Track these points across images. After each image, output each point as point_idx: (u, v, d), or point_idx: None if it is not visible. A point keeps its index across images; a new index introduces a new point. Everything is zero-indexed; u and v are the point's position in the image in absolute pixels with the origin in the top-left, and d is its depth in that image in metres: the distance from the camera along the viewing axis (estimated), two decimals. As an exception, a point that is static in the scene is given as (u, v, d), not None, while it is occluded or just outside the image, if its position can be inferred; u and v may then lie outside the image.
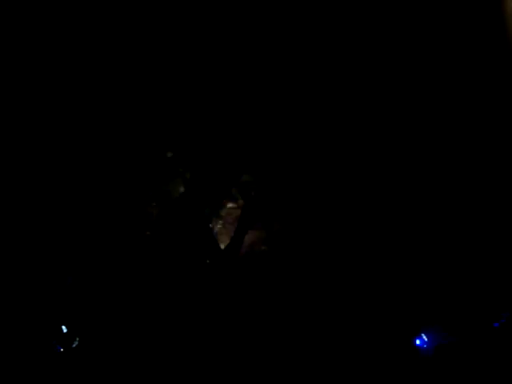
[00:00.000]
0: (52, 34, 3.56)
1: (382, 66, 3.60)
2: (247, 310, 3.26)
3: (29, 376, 3.17)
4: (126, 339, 3.15)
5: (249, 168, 3.57)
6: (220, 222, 3.23)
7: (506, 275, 3.24)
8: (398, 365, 3.09)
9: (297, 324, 3.38)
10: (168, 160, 3.38)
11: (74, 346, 3.28)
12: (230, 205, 3.32)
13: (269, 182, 3.61)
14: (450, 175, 3.56)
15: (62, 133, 3.57)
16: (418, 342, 3.09)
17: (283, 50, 3.69)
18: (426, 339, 3.04)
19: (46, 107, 3.55)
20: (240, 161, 3.54)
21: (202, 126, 3.62)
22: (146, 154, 3.49)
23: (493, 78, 3.43)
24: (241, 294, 3.21)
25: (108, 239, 3.50)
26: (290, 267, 3.52)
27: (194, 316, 2.91)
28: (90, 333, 3.29)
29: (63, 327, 3.32)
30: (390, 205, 3.58)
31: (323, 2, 3.63)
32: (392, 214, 3.57)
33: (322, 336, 3.33)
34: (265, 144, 3.68)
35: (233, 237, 2.92)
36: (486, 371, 2.88)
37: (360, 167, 3.67)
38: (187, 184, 2.97)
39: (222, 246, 2.96)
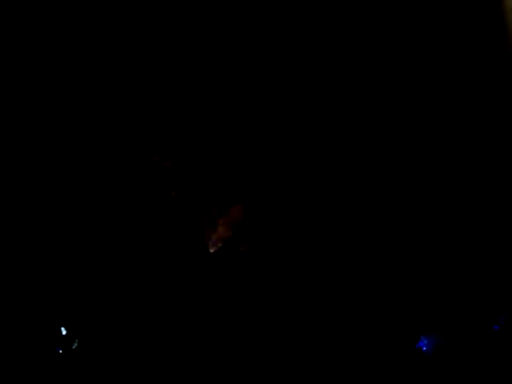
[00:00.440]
0: (51, 34, 3.56)
1: (379, 59, 3.58)
2: (243, 313, 3.25)
3: (28, 377, 3.19)
4: (125, 341, 3.16)
5: (247, 169, 3.57)
6: (213, 223, 3.23)
7: (505, 278, 3.22)
8: (396, 367, 3.07)
9: (296, 326, 3.37)
10: (162, 159, 3.37)
11: (73, 347, 3.29)
12: (224, 206, 3.31)
13: (268, 184, 3.60)
14: (450, 176, 3.54)
15: (59, 132, 3.58)
16: (416, 344, 3.07)
17: (283, 49, 3.68)
18: (424, 341, 3.02)
19: (43, 107, 3.56)
20: (237, 162, 3.53)
21: (199, 126, 3.62)
22: (142, 155, 3.49)
23: (492, 75, 3.40)
24: (236, 296, 3.21)
25: (106, 239, 3.51)
26: (289, 270, 3.52)
27: (191, 320, 2.89)
28: (89, 334, 3.30)
29: (62, 329, 3.33)
30: (389, 209, 3.56)
31: (323, 2, 3.62)
32: (391, 219, 3.56)
33: (322, 337, 3.32)
34: (264, 144, 3.67)
35: (227, 240, 2.90)
36: (485, 373, 2.85)
37: (360, 167, 3.65)
38: (179, 186, 2.95)
39: (212, 250, 2.95)
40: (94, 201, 3.53)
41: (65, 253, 3.51)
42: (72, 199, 3.53)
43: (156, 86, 3.66)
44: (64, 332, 3.25)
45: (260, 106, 3.68)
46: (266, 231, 3.42)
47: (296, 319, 3.35)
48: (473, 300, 3.19)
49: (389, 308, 3.32)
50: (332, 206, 3.60)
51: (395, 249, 3.47)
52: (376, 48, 3.56)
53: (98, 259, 3.46)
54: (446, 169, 3.54)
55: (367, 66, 3.60)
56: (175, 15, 3.62)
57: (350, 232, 3.56)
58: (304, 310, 3.39)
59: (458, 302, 3.22)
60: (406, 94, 3.57)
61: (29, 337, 3.25)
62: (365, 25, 3.55)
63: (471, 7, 3.36)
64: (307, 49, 3.66)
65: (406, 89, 3.56)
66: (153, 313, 3.05)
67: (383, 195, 3.58)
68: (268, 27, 3.63)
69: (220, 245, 3.19)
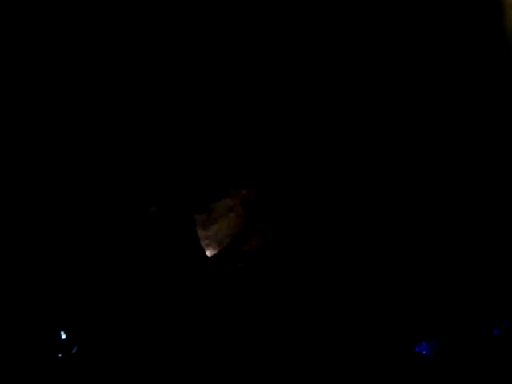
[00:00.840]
0: (50, 34, 3.55)
1: (379, 58, 3.55)
2: (243, 315, 3.24)
3: (28, 382, 3.19)
4: (125, 345, 3.14)
5: (246, 171, 3.56)
6: (211, 227, 3.22)
7: (505, 282, 3.19)
8: (397, 370, 3.04)
9: (297, 328, 3.36)
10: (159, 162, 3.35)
11: (73, 352, 3.29)
12: (223, 209, 3.29)
13: (269, 187, 3.59)
14: (449, 178, 3.50)
15: (56, 132, 3.57)
16: (417, 348, 3.04)
17: (283, 50, 3.66)
18: (425, 345, 2.99)
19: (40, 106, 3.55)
20: (236, 163, 3.52)
21: (197, 126, 3.60)
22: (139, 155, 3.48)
23: (492, 74, 3.35)
24: (235, 298, 3.20)
25: (104, 242, 3.50)
26: (288, 272, 3.50)
27: (190, 328, 2.88)
28: (89, 339, 3.30)
29: (62, 333, 3.33)
30: (392, 213, 3.54)
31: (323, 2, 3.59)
32: (393, 222, 3.54)
33: (323, 340, 3.30)
34: (263, 145, 3.65)
35: (226, 246, 2.88)
36: (486, 377, 2.82)
37: (360, 167, 3.63)
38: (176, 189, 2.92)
39: (209, 254, 2.92)
40: (90, 208, 3.53)
41: (64, 257, 3.51)
42: (69, 205, 3.54)
43: (148, 88, 3.66)
44: (63, 336, 3.25)
45: (258, 106, 3.66)
46: (265, 233, 3.38)
47: (297, 321, 3.34)
48: (474, 304, 3.17)
49: (390, 311, 3.30)
50: (333, 209, 3.59)
51: (397, 252, 3.45)
52: (376, 46, 3.53)
53: (97, 263, 3.46)
54: (446, 169, 3.52)
55: (367, 65, 3.57)
56: (176, 15, 3.60)
57: (351, 235, 3.54)
58: (305, 311, 3.37)
59: (459, 305, 3.20)
60: (405, 92, 3.54)
61: (28, 341, 3.25)
62: (365, 24, 3.53)
63: (471, 3, 3.32)
64: (307, 49, 3.64)
65: (405, 87, 3.54)
66: (152, 316, 3.03)
67: (384, 197, 3.56)
68: (268, 27, 3.61)
69: (218, 249, 3.17)
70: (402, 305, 3.32)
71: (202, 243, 3.01)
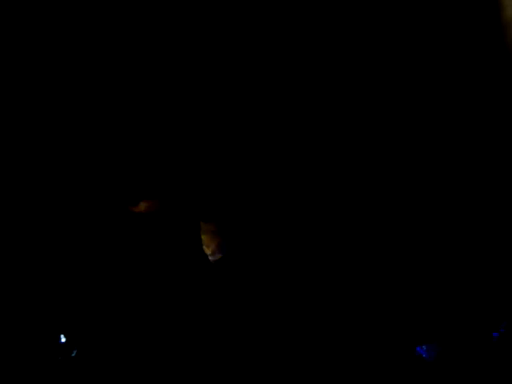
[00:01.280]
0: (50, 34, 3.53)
1: (379, 69, 3.57)
2: (242, 316, 3.26)
3: (27, 385, 3.19)
4: (125, 349, 3.16)
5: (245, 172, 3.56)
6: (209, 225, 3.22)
7: (505, 284, 3.23)
8: (396, 374, 3.09)
9: (295, 332, 3.38)
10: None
11: (72, 355, 3.30)
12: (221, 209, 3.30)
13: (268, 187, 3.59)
14: (449, 181, 3.54)
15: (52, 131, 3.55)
16: (417, 350, 3.08)
17: (283, 50, 3.66)
18: (424, 348, 3.04)
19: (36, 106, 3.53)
20: (235, 164, 3.52)
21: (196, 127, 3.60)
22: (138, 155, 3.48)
23: (491, 79, 3.39)
24: (231, 299, 3.22)
25: (104, 246, 3.50)
26: (288, 275, 3.52)
27: (190, 334, 2.90)
28: (89, 342, 3.30)
29: (62, 336, 3.33)
30: (389, 215, 3.56)
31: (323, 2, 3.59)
32: (391, 224, 3.56)
33: (321, 343, 3.33)
34: (262, 146, 3.66)
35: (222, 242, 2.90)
36: (486, 380, 2.87)
37: (358, 168, 3.65)
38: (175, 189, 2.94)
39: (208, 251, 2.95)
40: (90, 214, 3.52)
41: (63, 257, 3.50)
42: (70, 209, 3.52)
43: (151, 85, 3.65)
44: (63, 339, 3.25)
45: (255, 107, 3.67)
46: (264, 234, 3.41)
47: (295, 325, 3.36)
48: (473, 306, 3.20)
49: (388, 314, 3.32)
50: (330, 211, 3.60)
51: (394, 255, 3.47)
52: (376, 54, 3.55)
53: (97, 264, 3.45)
54: (446, 170, 3.55)
55: (366, 67, 3.58)
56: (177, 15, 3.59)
57: (350, 237, 3.56)
58: (303, 314, 3.39)
59: (458, 308, 3.23)
60: (405, 97, 3.56)
61: (28, 345, 3.25)
62: (365, 29, 3.54)
63: (470, 15, 3.34)
64: (305, 48, 3.65)
65: (405, 92, 3.56)
66: (152, 320, 3.05)
67: (384, 197, 3.58)
68: (268, 28, 3.61)
69: (218, 252, 3.19)
70: (402, 308, 3.35)
71: (204, 248, 3.03)
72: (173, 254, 3.15)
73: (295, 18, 3.64)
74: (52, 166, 3.63)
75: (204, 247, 3.18)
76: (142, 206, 3.38)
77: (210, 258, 3.10)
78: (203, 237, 3.31)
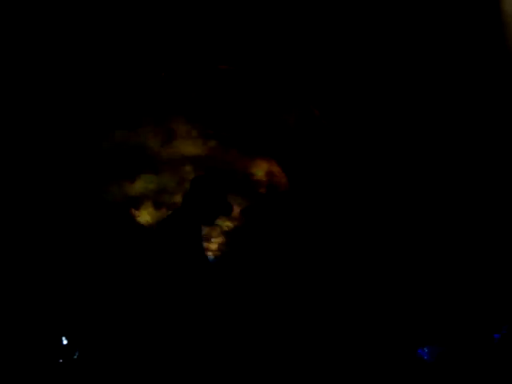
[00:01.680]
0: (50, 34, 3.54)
1: (379, 67, 3.55)
2: (241, 317, 3.25)
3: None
4: (126, 350, 3.15)
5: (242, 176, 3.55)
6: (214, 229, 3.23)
7: (505, 287, 3.20)
8: (398, 375, 3.06)
9: (298, 334, 3.36)
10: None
11: (74, 357, 3.29)
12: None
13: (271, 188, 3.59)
14: (449, 183, 3.51)
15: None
16: (418, 352, 3.05)
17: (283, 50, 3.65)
18: (426, 350, 3.01)
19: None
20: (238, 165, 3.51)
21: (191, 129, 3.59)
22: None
23: (491, 78, 3.36)
24: (231, 301, 3.21)
25: (106, 248, 3.50)
26: (287, 275, 3.51)
27: (190, 335, 2.89)
28: (90, 344, 3.29)
29: (63, 338, 3.32)
30: (392, 217, 3.55)
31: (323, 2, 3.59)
32: (393, 228, 3.54)
33: (324, 345, 3.31)
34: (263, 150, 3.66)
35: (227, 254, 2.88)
36: (487, 381, 2.84)
37: (359, 169, 3.63)
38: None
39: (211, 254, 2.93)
40: (96, 218, 3.53)
41: (65, 261, 3.50)
42: (74, 213, 3.53)
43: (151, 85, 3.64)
44: (65, 342, 3.24)
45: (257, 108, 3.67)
46: (264, 236, 3.39)
47: (298, 326, 3.35)
48: (475, 309, 3.17)
49: (391, 317, 3.30)
50: (333, 214, 3.59)
51: (397, 258, 3.46)
52: (378, 54, 3.54)
53: (98, 267, 3.45)
54: (446, 170, 3.52)
55: (368, 68, 3.57)
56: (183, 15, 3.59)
57: (352, 242, 3.55)
58: (306, 316, 3.38)
59: (460, 310, 3.20)
60: (406, 97, 3.55)
61: (30, 347, 3.24)
62: (366, 30, 3.52)
63: (471, 11, 3.32)
64: (308, 49, 3.64)
65: (407, 92, 3.54)
66: (152, 321, 3.04)
67: (383, 198, 3.56)
68: (269, 28, 3.61)
69: (219, 253, 3.18)
70: (404, 310, 3.33)
71: (207, 253, 3.03)
72: (173, 255, 3.14)
73: (295, 18, 3.64)
74: (55, 171, 3.64)
75: (204, 247, 3.17)
76: (145, 209, 3.36)
77: (211, 258, 3.09)
78: (204, 237, 3.31)
